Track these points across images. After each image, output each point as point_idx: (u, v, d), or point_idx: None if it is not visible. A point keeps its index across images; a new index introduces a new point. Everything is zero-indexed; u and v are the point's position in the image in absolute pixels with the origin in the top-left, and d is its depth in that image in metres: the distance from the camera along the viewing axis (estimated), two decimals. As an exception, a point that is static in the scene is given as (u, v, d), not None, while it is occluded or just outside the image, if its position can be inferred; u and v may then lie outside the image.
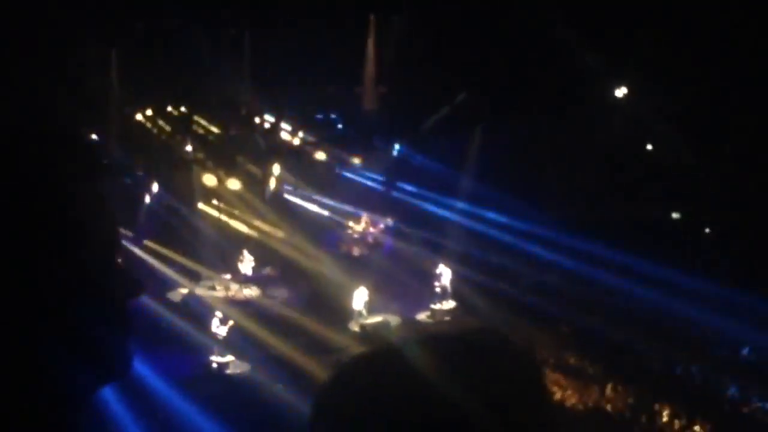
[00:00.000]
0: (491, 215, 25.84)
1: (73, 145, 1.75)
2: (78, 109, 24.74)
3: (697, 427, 17.32)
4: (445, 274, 23.36)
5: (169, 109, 29.06)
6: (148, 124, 29.16)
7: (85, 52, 25.23)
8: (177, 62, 24.82)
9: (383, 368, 1.83)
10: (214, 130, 29.03)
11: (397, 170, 27.45)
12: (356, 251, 26.94)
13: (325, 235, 27.18)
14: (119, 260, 1.77)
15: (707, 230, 24.84)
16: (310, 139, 28.48)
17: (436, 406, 1.67)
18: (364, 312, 22.74)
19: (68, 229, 1.64)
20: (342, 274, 24.02)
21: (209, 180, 27.66)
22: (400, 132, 27.20)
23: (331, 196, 28.20)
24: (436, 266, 23.51)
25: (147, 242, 25.64)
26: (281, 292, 23.94)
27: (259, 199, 27.97)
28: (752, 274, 20.51)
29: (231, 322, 20.98)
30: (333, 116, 28.19)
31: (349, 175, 28.68)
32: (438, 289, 23.31)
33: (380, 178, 28.01)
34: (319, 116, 28.29)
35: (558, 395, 19.73)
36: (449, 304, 23.13)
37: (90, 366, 1.64)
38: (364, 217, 27.48)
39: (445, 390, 1.68)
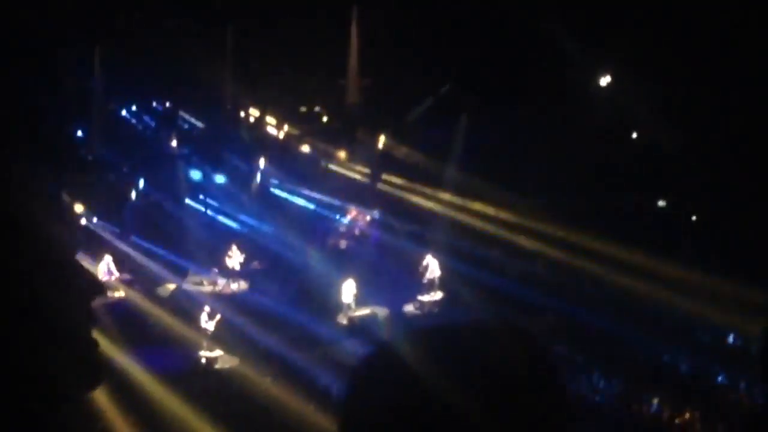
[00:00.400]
0: (477, 206, 25.85)
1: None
2: (63, 107, 24.76)
3: (687, 414, 17.39)
4: (432, 266, 23.36)
5: (154, 105, 29.03)
6: (133, 121, 29.12)
7: (69, 50, 25.21)
8: (161, 58, 24.77)
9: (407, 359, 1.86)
10: (200, 125, 29.00)
11: (382, 162, 27.43)
12: (343, 244, 26.95)
13: (312, 228, 27.16)
14: (79, 261, 1.78)
15: (694, 218, 24.90)
16: (295, 132, 28.45)
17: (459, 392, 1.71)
18: (353, 304, 22.76)
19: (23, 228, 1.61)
20: (329, 267, 24.03)
21: (195, 175, 27.68)
22: (384, 124, 27.17)
23: (317, 190, 28.18)
24: (422, 258, 23.52)
25: (134, 238, 25.62)
26: (269, 286, 23.90)
27: (245, 193, 27.97)
28: (739, 261, 20.55)
29: (219, 317, 20.97)
30: (317, 109, 28.17)
31: (334, 168, 28.66)
32: (425, 281, 23.32)
33: (366, 171, 27.99)
34: (304, 110, 28.26)
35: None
36: (436, 295, 23.14)
37: (69, 366, 1.65)
38: (351, 210, 27.49)
39: (464, 377, 1.73)
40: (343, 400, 1.80)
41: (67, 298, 1.66)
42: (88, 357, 1.72)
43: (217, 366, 20.32)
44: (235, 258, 24.68)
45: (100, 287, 1.79)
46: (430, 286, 23.31)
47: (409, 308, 23.14)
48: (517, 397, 1.72)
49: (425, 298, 23.18)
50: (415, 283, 23.41)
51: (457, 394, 1.69)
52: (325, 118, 27.96)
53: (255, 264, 25.30)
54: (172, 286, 24.02)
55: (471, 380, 1.71)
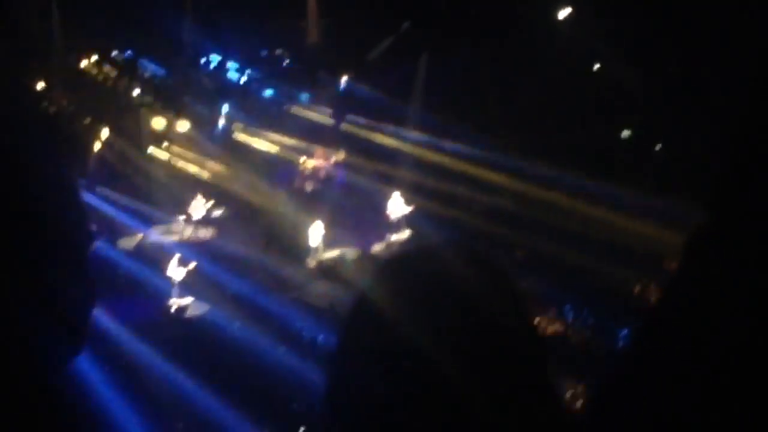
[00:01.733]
0: (440, 143, 25.85)
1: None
2: (21, 58, 24.50)
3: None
4: (398, 205, 23.40)
5: (114, 53, 28.78)
6: (94, 71, 28.88)
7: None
8: (120, 6, 24.52)
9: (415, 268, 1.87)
10: (161, 72, 28.80)
11: (345, 103, 27.34)
12: (309, 186, 26.92)
13: (277, 172, 27.12)
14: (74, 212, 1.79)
15: (658, 147, 24.95)
16: (257, 76, 28.29)
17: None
18: (321, 247, 22.80)
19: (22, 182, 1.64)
20: (296, 210, 24.04)
21: (158, 123, 27.56)
22: (346, 64, 27.05)
23: (281, 133, 28.11)
24: (389, 197, 23.55)
25: (99, 188, 25.51)
26: (236, 232, 23.91)
27: (209, 139, 27.89)
28: (703, 189, 20.62)
29: (188, 265, 20.98)
30: (278, 52, 27.99)
31: (297, 110, 28.56)
32: (392, 220, 23.37)
33: (329, 112, 27.90)
34: (264, 52, 28.07)
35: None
36: (404, 234, 23.20)
37: (64, 331, 1.64)
38: (316, 152, 27.43)
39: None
40: (330, 358, 1.82)
41: (66, 259, 1.67)
42: (82, 323, 1.72)
43: (187, 313, 20.35)
44: (198, 206, 24.65)
45: (91, 237, 1.80)
46: (398, 225, 23.36)
47: (377, 249, 23.20)
48: (488, 330, 1.74)
49: (393, 237, 23.24)
50: (383, 223, 23.47)
51: (429, 336, 1.71)
52: (286, 61, 27.77)
53: (222, 210, 25.29)
54: (138, 237, 24.00)
55: (439, 318, 1.73)
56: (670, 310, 1.54)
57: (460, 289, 1.77)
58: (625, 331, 17.99)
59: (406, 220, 23.33)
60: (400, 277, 1.84)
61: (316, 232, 22.77)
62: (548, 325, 18.52)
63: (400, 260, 1.95)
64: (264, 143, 28.43)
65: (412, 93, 26.34)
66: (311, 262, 22.47)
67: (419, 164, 25.52)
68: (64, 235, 1.70)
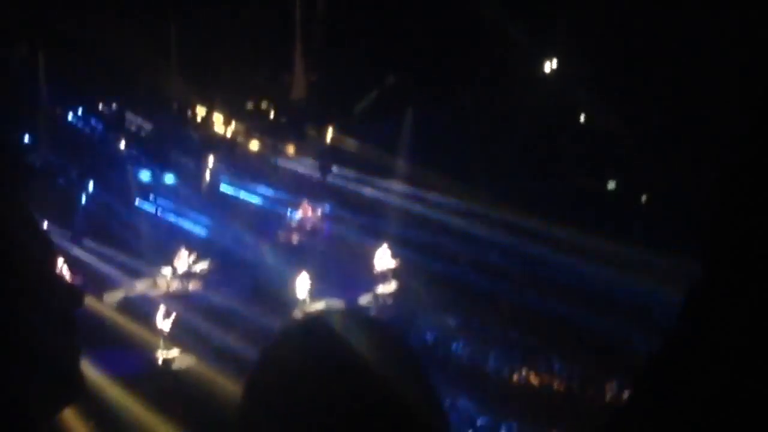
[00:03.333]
0: (427, 195, 25.91)
1: None
2: (7, 111, 24.55)
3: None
4: (385, 257, 23.43)
5: (101, 106, 28.83)
6: (80, 124, 28.92)
7: (11, 53, 25.02)
8: (106, 59, 24.60)
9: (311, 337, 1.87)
10: (147, 126, 28.85)
11: (330, 156, 27.41)
12: (295, 239, 26.94)
13: (263, 224, 27.14)
14: (57, 270, 1.74)
15: (644, 198, 25.01)
16: (243, 129, 28.36)
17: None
18: (307, 299, 22.79)
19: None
20: (283, 262, 24.04)
21: (145, 176, 27.59)
22: (331, 118, 27.14)
23: (267, 186, 28.16)
24: (375, 249, 23.58)
25: (85, 241, 25.49)
26: (222, 284, 23.88)
27: (195, 192, 27.88)
28: (691, 240, 20.66)
29: (174, 317, 20.95)
30: (264, 105, 28.08)
31: (283, 163, 28.63)
32: (379, 272, 23.39)
33: (315, 165, 27.96)
34: (251, 106, 28.16)
35: (505, 372, 19.91)
36: (391, 287, 23.21)
37: (48, 384, 1.64)
38: (302, 205, 27.48)
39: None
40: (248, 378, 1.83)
41: (47, 313, 1.64)
42: (70, 372, 1.71)
43: (174, 366, 20.30)
44: (183, 259, 24.66)
45: (80, 298, 1.77)
46: (384, 278, 23.37)
47: (364, 301, 23.20)
48: (385, 400, 1.74)
49: (380, 290, 23.24)
50: (369, 275, 23.48)
51: (325, 404, 1.73)
52: (272, 114, 27.86)
53: (208, 263, 25.27)
54: (125, 288, 23.95)
55: (333, 388, 1.74)
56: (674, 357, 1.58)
57: (353, 357, 1.78)
58: (613, 383, 18.02)
59: (392, 273, 23.33)
60: (298, 343, 1.85)
61: (302, 284, 22.77)
62: (535, 377, 18.55)
63: (300, 326, 1.97)
64: (250, 195, 28.45)
65: (398, 145, 26.40)
66: (298, 314, 22.41)
67: (405, 216, 25.55)
68: (45, 286, 1.67)
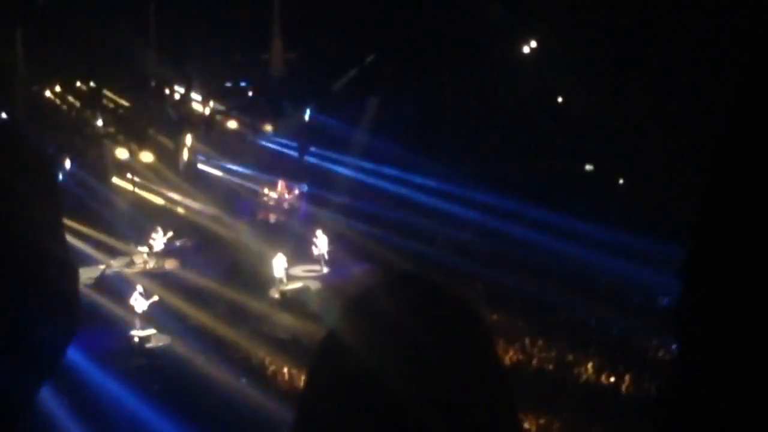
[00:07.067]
0: (403, 175, 25.93)
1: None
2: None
3: (626, 377, 17.56)
4: (321, 242, 23.60)
5: (78, 84, 28.73)
6: (58, 101, 28.82)
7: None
8: (83, 37, 24.48)
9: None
10: (125, 103, 28.76)
11: (308, 135, 27.38)
12: (272, 218, 26.95)
13: (240, 203, 27.13)
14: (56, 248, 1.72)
15: (621, 181, 25.08)
16: (221, 108, 28.29)
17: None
18: (284, 278, 22.79)
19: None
20: (259, 241, 24.01)
21: (122, 154, 27.50)
22: (309, 97, 27.09)
23: (245, 165, 28.13)
24: (351, 229, 23.60)
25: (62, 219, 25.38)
26: (199, 263, 23.84)
27: (172, 170, 27.83)
28: (666, 222, 20.70)
29: (151, 296, 20.91)
30: (243, 84, 28.02)
31: (261, 142, 28.60)
32: (354, 251, 23.40)
33: (292, 144, 27.94)
34: (229, 84, 28.10)
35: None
36: (366, 266, 23.20)
37: (32, 365, 1.62)
38: (279, 184, 27.46)
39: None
40: (300, 398, 1.80)
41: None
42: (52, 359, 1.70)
43: (149, 345, 20.25)
44: (159, 238, 24.65)
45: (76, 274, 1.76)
46: (359, 257, 23.37)
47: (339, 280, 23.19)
48: (455, 368, 1.73)
49: (355, 269, 23.25)
50: (345, 254, 23.51)
51: (397, 377, 1.70)
52: (250, 93, 27.78)
53: (185, 241, 25.24)
54: (101, 267, 23.87)
55: (406, 358, 1.72)
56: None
57: (425, 329, 1.76)
58: (588, 364, 18.07)
59: (368, 252, 23.31)
60: (367, 317, 1.83)
61: (279, 264, 22.76)
62: (512, 356, 18.58)
63: (366, 298, 1.91)
64: (228, 174, 28.43)
65: (375, 125, 26.38)
66: (274, 293, 22.43)
67: (382, 196, 25.58)
68: (34, 271, 1.64)
